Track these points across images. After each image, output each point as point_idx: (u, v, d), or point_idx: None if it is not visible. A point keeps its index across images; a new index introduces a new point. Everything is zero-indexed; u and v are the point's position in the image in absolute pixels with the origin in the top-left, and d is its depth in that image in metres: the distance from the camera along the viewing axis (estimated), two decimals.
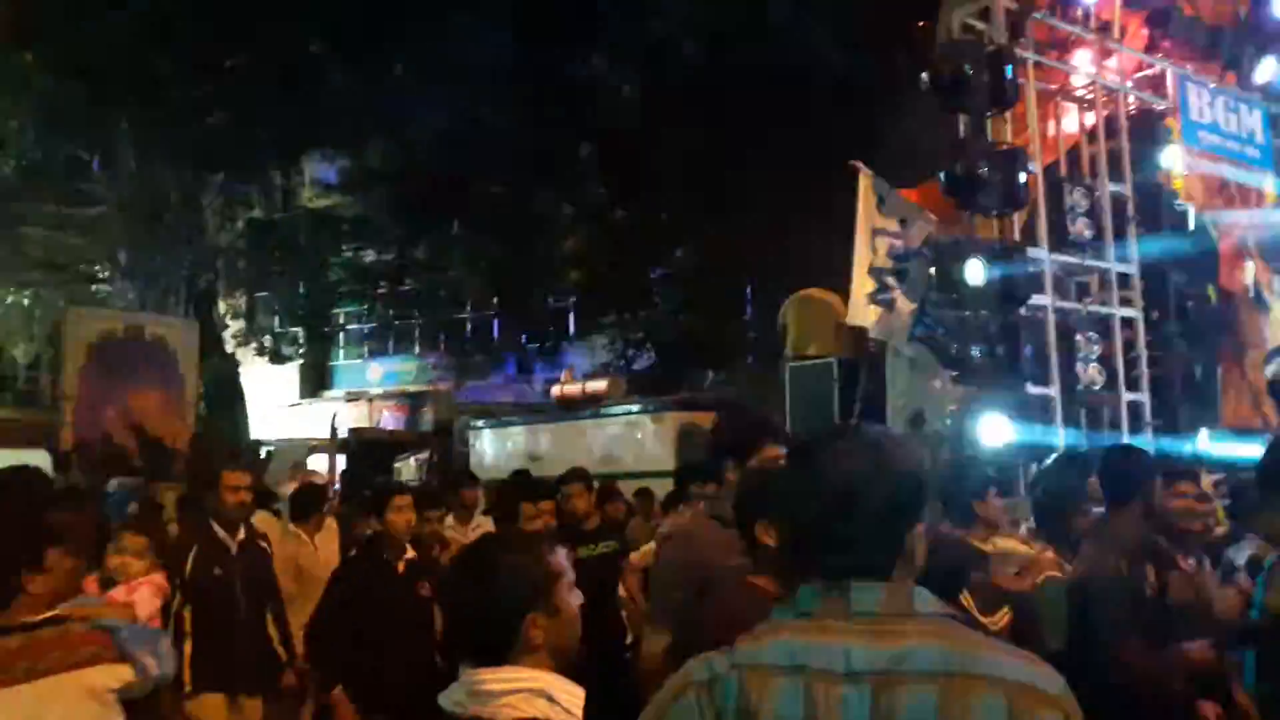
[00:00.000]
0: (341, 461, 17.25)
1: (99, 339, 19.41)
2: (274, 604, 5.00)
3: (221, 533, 4.81)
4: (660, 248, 18.37)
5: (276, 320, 25.82)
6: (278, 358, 24.75)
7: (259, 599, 4.86)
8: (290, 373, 26.23)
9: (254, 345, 24.56)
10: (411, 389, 25.17)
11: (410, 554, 4.47)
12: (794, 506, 1.43)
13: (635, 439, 12.16)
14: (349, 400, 25.85)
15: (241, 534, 4.88)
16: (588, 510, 5.58)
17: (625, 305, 19.60)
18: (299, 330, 25.57)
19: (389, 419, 24.53)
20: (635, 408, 12.60)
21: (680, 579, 2.86)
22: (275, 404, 25.92)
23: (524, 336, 22.71)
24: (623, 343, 19.95)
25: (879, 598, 1.36)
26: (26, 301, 24.48)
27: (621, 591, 5.74)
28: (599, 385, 14.01)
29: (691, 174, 17.59)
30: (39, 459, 16.15)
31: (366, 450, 16.82)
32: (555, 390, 14.52)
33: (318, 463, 17.86)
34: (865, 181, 6.81)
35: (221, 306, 24.73)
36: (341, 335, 26.87)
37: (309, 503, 6.01)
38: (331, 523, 6.04)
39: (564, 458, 13.33)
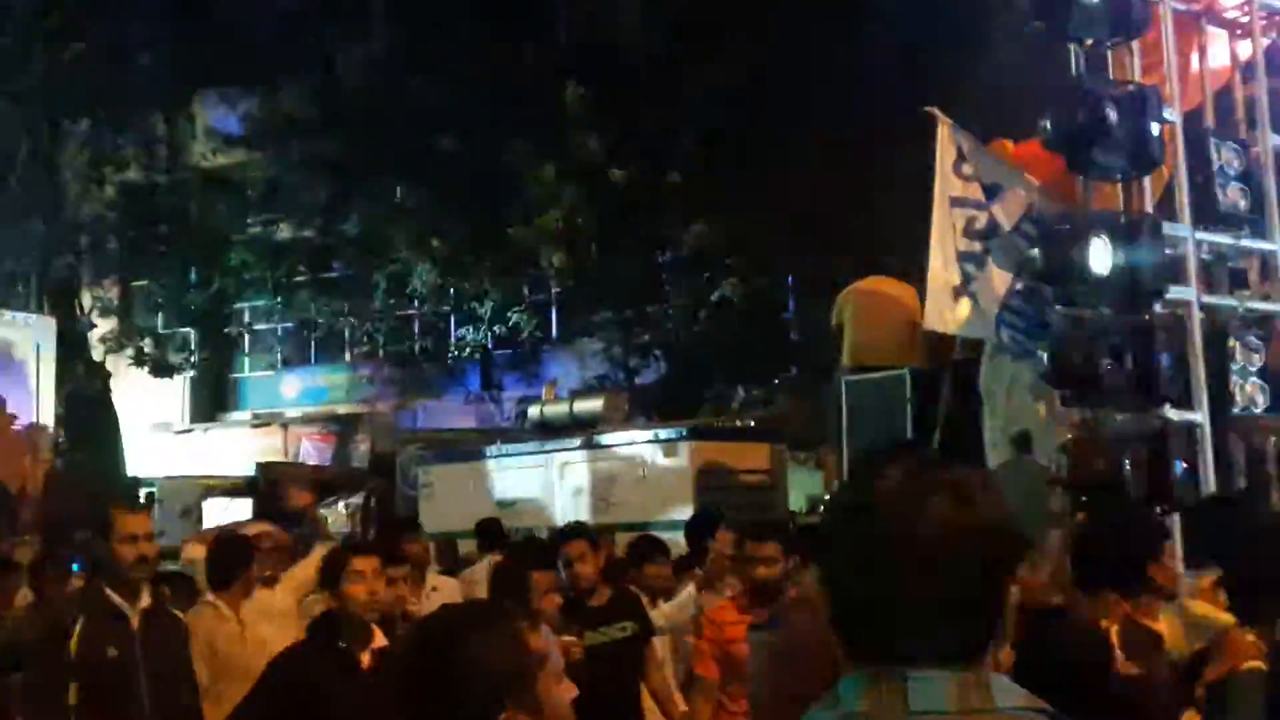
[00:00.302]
0: (246, 507, 17.48)
1: None
2: (187, 697, 4.85)
3: (116, 599, 4.70)
4: (671, 221, 18.45)
5: (159, 319, 25.95)
6: (161, 368, 24.98)
7: (169, 690, 4.70)
8: (178, 388, 26.51)
9: (129, 352, 24.80)
10: (340, 410, 25.54)
11: (379, 640, 4.33)
12: (840, 567, 1.38)
13: (640, 478, 12.25)
14: (256, 425, 26.18)
15: (145, 600, 4.79)
16: (594, 578, 5.60)
17: (625, 298, 19.72)
18: (189, 332, 25.73)
19: (310, 450, 24.97)
20: (641, 435, 12.71)
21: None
22: (158, 430, 26.22)
23: (489, 339, 22.83)
24: (623, 348, 20.03)
25: (948, 691, 1.32)
26: None
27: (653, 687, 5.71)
28: (592, 405, 14.18)
29: (715, 123, 17.65)
30: None
31: (280, 492, 17.16)
32: (533, 412, 14.66)
33: (215, 509, 18.54)
34: (944, 132, 6.81)
35: (86, 299, 24.96)
36: (246, 339, 27.07)
37: (232, 561, 5.87)
38: (268, 594, 5.85)
39: (544, 503, 13.60)
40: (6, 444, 19.53)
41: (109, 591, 4.76)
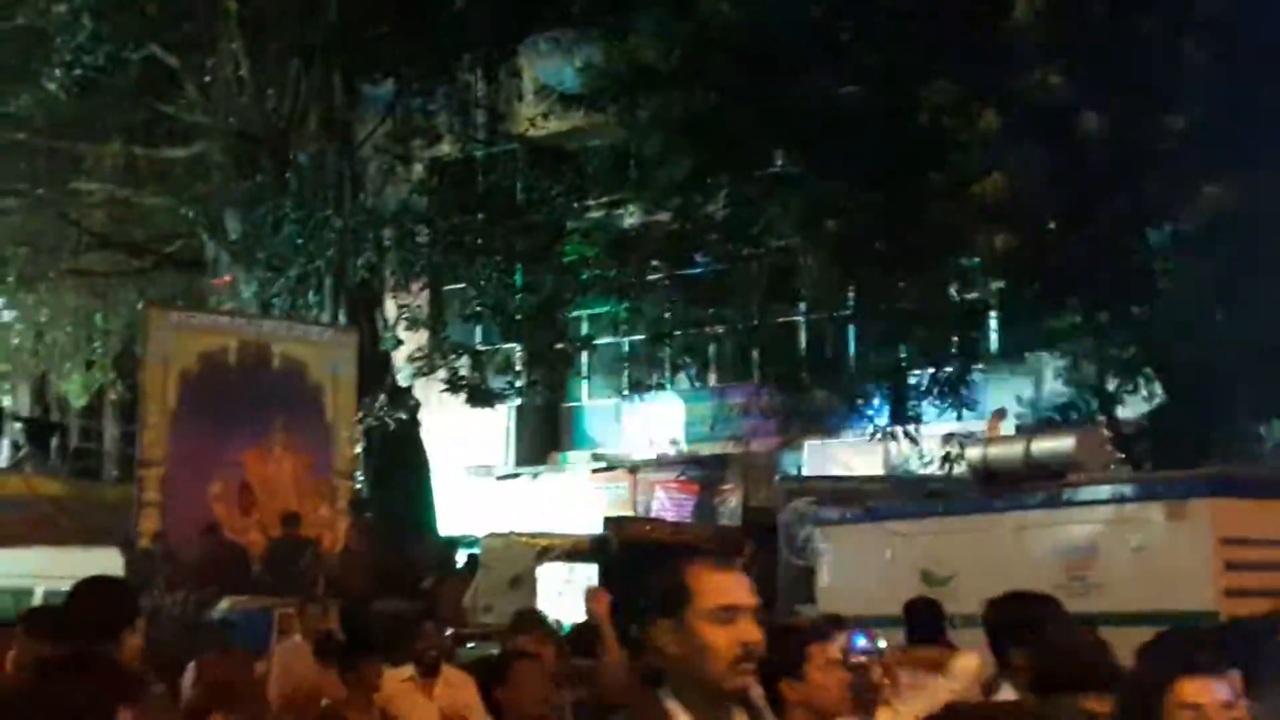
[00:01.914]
0: (591, 573, 18.29)
1: (199, 364, 21.17)
2: None
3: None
4: (1170, 182, 17.44)
5: (477, 331, 27.08)
6: (480, 395, 25.74)
7: None
8: (499, 421, 27.82)
9: (441, 374, 25.72)
10: (704, 451, 26.24)
11: None
12: None
13: (1133, 549, 11.84)
14: (598, 470, 27.15)
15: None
16: None
17: (1099, 294, 18.87)
18: (514, 349, 26.71)
19: (665, 502, 25.84)
20: (1132, 488, 12.45)
21: None
22: (476, 474, 27.70)
23: (900, 356, 22.33)
24: (1096, 365, 19.19)
25: None
26: (79, 304, 27.20)
27: None
28: (1057, 445, 13.67)
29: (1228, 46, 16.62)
30: (106, 563, 17.54)
31: (634, 558, 17.69)
32: (971, 454, 14.38)
33: (553, 575, 19.35)
34: None
35: (389, 309, 26.19)
36: (585, 357, 27.88)
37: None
38: None
39: (992, 579, 12.94)
40: (304, 487, 21.26)
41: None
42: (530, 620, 9.17)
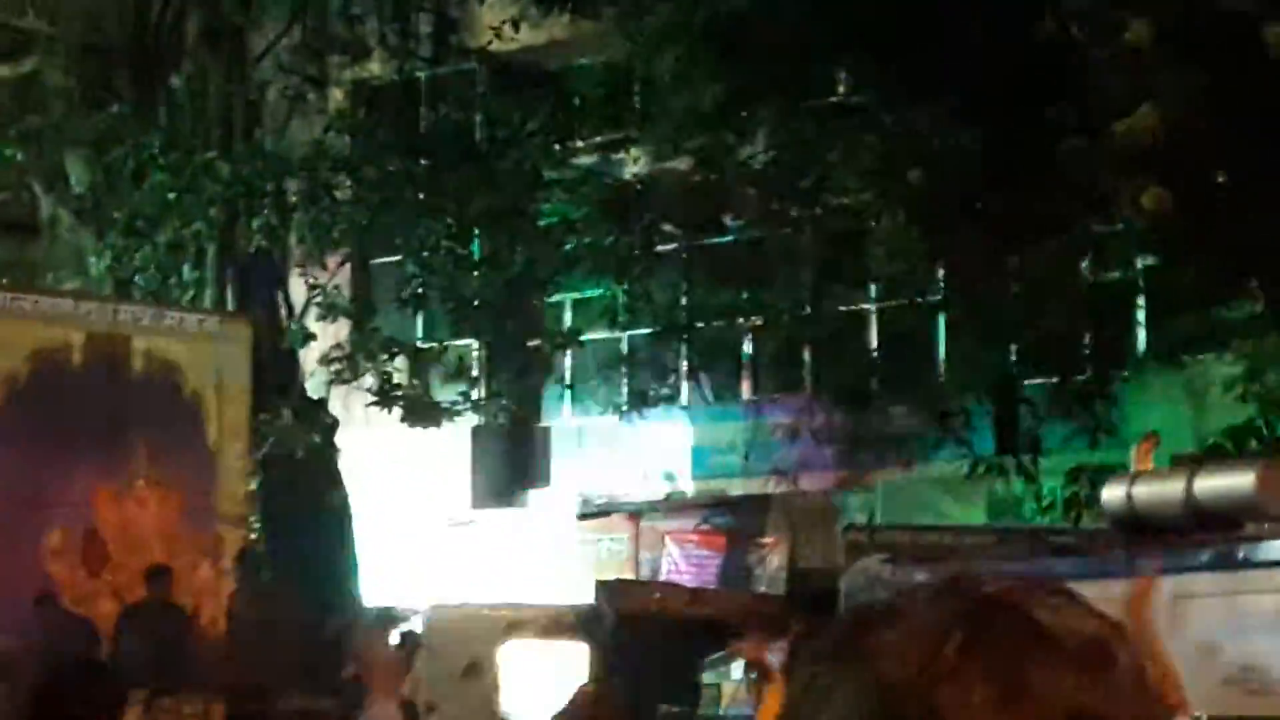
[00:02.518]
0: (579, 660, 18.34)
1: (30, 365, 21.03)
2: None
3: None
4: None
5: (418, 324, 27.10)
6: (422, 411, 25.74)
7: None
8: (450, 447, 27.21)
9: (368, 381, 25.70)
10: (733, 490, 25.94)
11: None
12: None
13: None
14: (586, 516, 26.59)
15: None
16: None
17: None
18: (471, 346, 26.52)
19: (680, 561, 25.37)
20: None
21: None
22: (415, 520, 27.13)
23: (1010, 359, 22.35)
24: None
25: None
26: None
27: None
28: (1233, 483, 13.68)
29: None
30: None
31: (638, 640, 18.01)
32: (1111, 494, 14.35)
33: (522, 661, 19.26)
34: None
35: (296, 290, 26.20)
36: (568, 360, 27.70)
37: None
38: None
39: None
40: (174, 538, 21.09)
41: None
42: None
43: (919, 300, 23.96)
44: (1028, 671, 1.51)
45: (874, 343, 25.37)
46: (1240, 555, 12.81)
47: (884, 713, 1.51)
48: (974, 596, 1.58)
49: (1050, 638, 1.53)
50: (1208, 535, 13.15)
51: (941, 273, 23.03)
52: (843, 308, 24.74)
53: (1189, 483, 13.77)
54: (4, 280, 25.54)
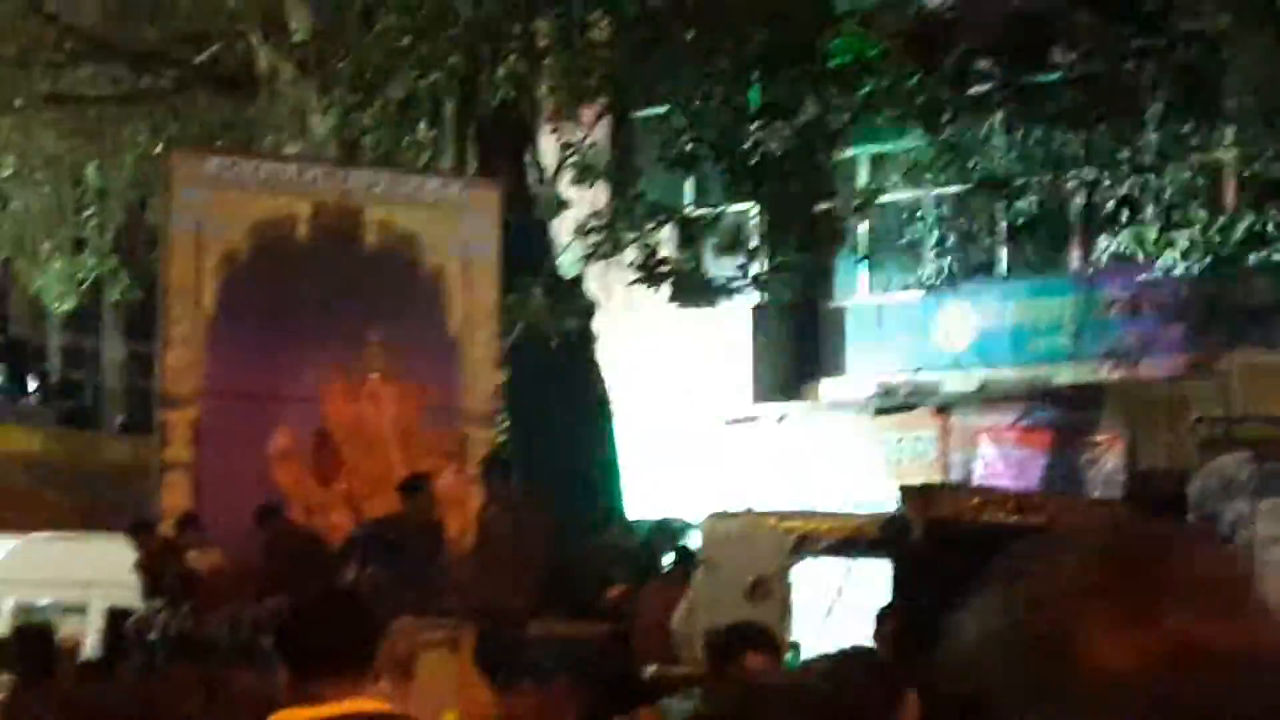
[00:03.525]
0: (879, 576, 18.72)
1: (251, 241, 21.34)
2: None
3: None
4: None
5: (688, 186, 26.71)
6: (694, 289, 25.54)
7: None
8: (727, 332, 27.28)
9: (632, 255, 25.18)
10: (1060, 378, 25.71)
11: None
12: None
13: None
14: (885, 411, 26.90)
15: None
16: None
17: None
18: (750, 212, 26.16)
19: (998, 462, 25.63)
20: None
21: None
22: (687, 416, 27.21)
23: None
24: None
25: None
26: (60, 148, 26.45)
27: None
28: None
29: None
30: (111, 558, 17.01)
31: (951, 554, 16.88)
32: None
33: (813, 579, 19.84)
34: None
35: (547, 150, 25.75)
36: (864, 228, 27.54)
37: None
38: None
39: None
40: (415, 440, 21.46)
41: None
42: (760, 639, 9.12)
43: None
44: (1157, 602, 1.79)
45: (1231, 197, 24.16)
46: None
47: (1024, 623, 1.83)
48: (1126, 532, 1.91)
49: (1188, 580, 1.81)
50: None
51: None
52: (1196, 157, 23.59)
53: None
54: (219, 143, 25.81)
